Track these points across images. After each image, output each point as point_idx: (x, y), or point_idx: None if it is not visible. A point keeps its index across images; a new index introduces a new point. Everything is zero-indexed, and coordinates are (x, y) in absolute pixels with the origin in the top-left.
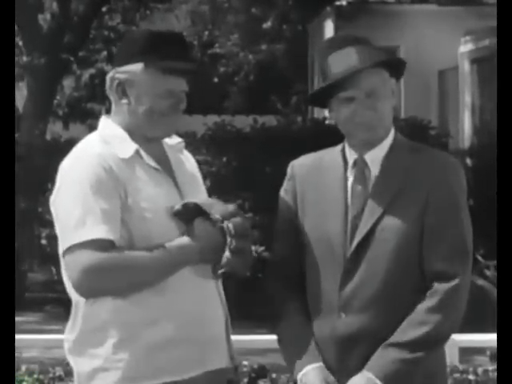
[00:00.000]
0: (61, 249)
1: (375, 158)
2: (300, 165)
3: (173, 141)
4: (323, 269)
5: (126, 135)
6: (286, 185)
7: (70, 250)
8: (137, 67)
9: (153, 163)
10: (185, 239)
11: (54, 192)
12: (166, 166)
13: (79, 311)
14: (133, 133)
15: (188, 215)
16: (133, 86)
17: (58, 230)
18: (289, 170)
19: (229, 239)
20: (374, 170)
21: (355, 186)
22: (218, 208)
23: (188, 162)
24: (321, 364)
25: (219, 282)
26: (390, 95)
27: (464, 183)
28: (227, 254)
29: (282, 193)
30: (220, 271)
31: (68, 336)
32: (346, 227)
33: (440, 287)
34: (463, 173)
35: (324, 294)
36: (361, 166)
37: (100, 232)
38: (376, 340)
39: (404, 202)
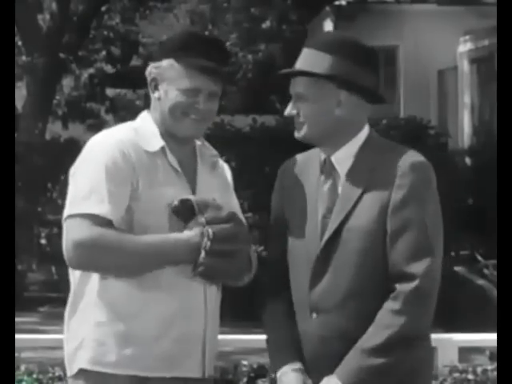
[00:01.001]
0: (64, 216)
1: (343, 157)
2: (288, 165)
3: (208, 151)
4: (300, 269)
5: (157, 132)
6: (275, 185)
7: (71, 217)
8: (168, 63)
9: (175, 164)
10: (182, 235)
11: (75, 165)
12: (189, 170)
13: (72, 289)
14: (164, 131)
15: (185, 212)
16: (163, 81)
17: (67, 200)
18: (279, 170)
19: (204, 240)
20: (343, 169)
21: (324, 186)
22: (210, 210)
23: (221, 177)
24: (299, 366)
25: (215, 290)
26: (329, 105)
27: (431, 183)
28: (202, 254)
29: (273, 194)
30: (195, 271)
31: (65, 318)
32: (317, 227)
33: (401, 289)
34: (430, 172)
35: (300, 294)
36: (328, 166)
37: (101, 209)
38: (346, 341)
39: (368, 202)
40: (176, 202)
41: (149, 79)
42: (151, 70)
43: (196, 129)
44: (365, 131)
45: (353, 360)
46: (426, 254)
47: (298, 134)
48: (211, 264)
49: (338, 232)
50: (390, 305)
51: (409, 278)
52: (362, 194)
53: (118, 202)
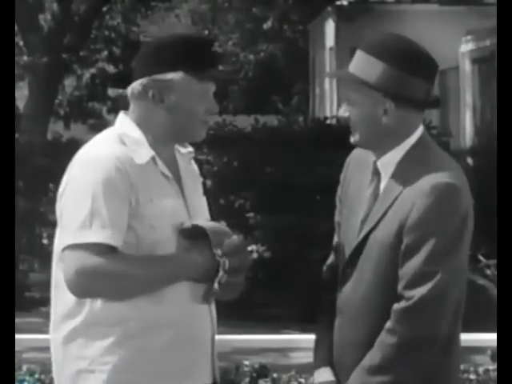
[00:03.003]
0: (61, 243)
1: (387, 163)
2: (355, 155)
3: (185, 149)
4: (340, 268)
5: (143, 138)
6: (341, 176)
7: (71, 247)
8: (177, 76)
9: (166, 171)
10: (185, 255)
11: (63, 184)
12: (175, 174)
13: (67, 307)
14: (154, 137)
15: (193, 236)
16: (171, 93)
17: (61, 223)
18: (346, 161)
19: (221, 273)
20: (385, 176)
21: (369, 189)
22: (224, 240)
23: (195, 173)
24: (331, 377)
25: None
26: (376, 112)
27: (451, 207)
28: (216, 286)
29: (339, 186)
30: (206, 299)
31: (55, 335)
32: (356, 231)
33: (395, 308)
34: (454, 196)
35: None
36: (374, 170)
37: (104, 236)
38: (361, 348)
39: (392, 216)
40: (188, 225)
41: (148, 92)
42: (151, 83)
43: (205, 130)
44: (414, 137)
45: (355, 379)
46: (428, 278)
47: (352, 139)
48: (222, 292)
49: (366, 239)
50: (387, 324)
51: (406, 299)
52: (390, 207)
53: (120, 224)
